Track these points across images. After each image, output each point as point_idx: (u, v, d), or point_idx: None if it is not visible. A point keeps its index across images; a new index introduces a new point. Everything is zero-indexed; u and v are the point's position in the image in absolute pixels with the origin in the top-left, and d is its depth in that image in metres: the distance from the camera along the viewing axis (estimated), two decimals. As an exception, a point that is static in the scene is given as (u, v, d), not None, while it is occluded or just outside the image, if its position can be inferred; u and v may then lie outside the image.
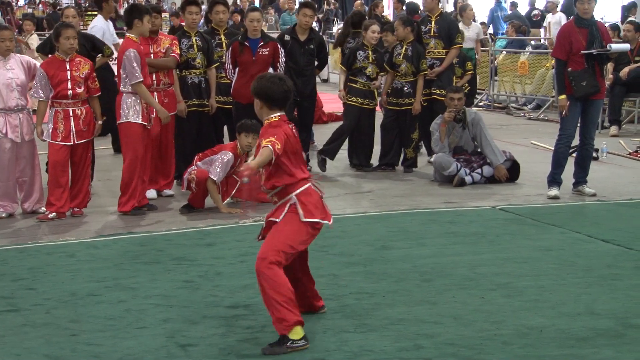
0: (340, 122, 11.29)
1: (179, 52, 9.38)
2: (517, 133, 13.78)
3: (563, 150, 9.22)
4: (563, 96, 9.03)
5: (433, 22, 10.95)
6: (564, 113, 9.05)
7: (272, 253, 5.02)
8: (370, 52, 10.61)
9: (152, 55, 9.23)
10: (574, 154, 9.52)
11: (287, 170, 5.17)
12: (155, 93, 9.21)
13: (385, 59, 10.75)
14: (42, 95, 8.34)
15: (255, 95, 5.25)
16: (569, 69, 8.97)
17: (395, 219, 8.33)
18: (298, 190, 5.19)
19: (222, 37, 10.11)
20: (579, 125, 9.20)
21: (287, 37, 10.37)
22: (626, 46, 10.21)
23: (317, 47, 10.69)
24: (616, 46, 9.14)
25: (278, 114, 5.23)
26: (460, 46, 11.23)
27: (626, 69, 13.61)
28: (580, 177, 9.34)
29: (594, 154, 11.42)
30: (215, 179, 8.50)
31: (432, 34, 10.90)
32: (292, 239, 5.11)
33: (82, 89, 8.40)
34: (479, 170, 9.99)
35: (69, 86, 8.33)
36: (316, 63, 10.97)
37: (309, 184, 5.24)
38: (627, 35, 13.94)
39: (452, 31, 10.99)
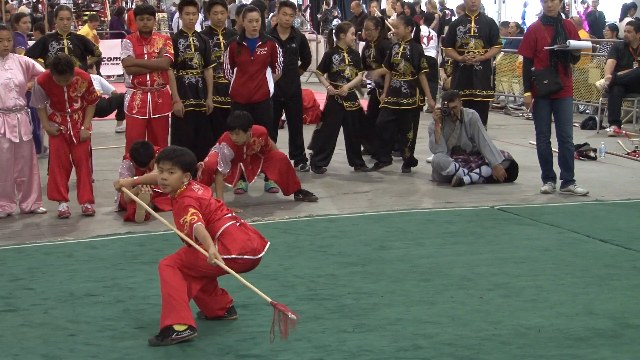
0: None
1: (172, 52, 9.40)
2: (516, 133, 13.80)
3: (544, 148, 9.40)
4: (528, 93, 9.31)
5: (473, 22, 10.95)
6: (529, 110, 9.25)
7: None
8: (345, 55, 10.62)
9: (145, 55, 9.26)
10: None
11: None
12: (149, 93, 9.25)
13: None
14: (39, 106, 8.39)
15: (185, 169, 5.32)
16: (533, 68, 9.20)
17: (393, 219, 8.33)
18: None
19: (220, 37, 10.11)
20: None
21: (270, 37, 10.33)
22: (586, 44, 10.25)
23: (300, 46, 10.68)
24: (575, 43, 9.19)
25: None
26: (501, 46, 11.40)
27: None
28: (567, 176, 9.38)
29: (592, 154, 11.48)
30: (221, 170, 8.63)
31: (472, 33, 10.90)
32: None
33: (79, 103, 8.42)
34: (477, 170, 10.00)
35: (67, 105, 8.37)
36: (300, 63, 10.96)
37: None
38: (628, 35, 13.97)
39: (493, 31, 11.05)
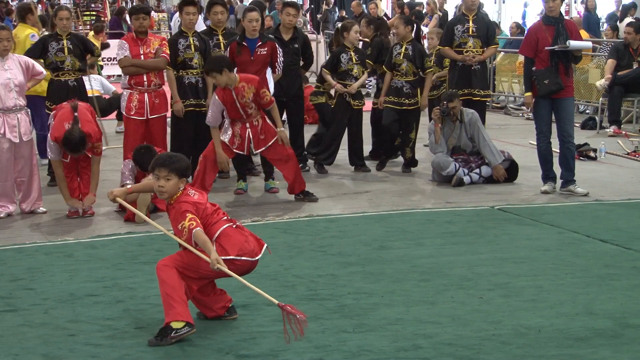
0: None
1: (168, 52, 9.40)
2: (516, 133, 13.80)
3: (544, 147, 9.42)
4: (528, 93, 9.33)
5: (471, 22, 10.95)
6: (529, 110, 9.28)
7: None
8: (352, 53, 10.63)
9: (142, 56, 9.27)
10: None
11: None
12: (146, 94, 9.26)
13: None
14: (54, 157, 8.38)
15: (181, 175, 5.36)
16: (534, 68, 9.22)
17: (393, 219, 8.33)
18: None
19: (220, 37, 10.11)
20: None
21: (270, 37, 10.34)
22: (587, 44, 10.25)
23: (302, 46, 10.68)
24: (575, 43, 9.19)
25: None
26: (497, 46, 11.54)
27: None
28: (568, 176, 9.38)
29: (592, 154, 11.48)
30: (210, 123, 8.72)
31: (470, 33, 10.91)
32: None
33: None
34: (477, 170, 10.00)
35: (75, 157, 8.42)
36: (302, 63, 10.96)
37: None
38: (628, 37, 13.97)
39: (490, 31, 11.09)
